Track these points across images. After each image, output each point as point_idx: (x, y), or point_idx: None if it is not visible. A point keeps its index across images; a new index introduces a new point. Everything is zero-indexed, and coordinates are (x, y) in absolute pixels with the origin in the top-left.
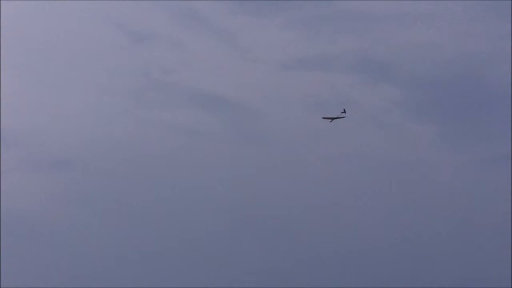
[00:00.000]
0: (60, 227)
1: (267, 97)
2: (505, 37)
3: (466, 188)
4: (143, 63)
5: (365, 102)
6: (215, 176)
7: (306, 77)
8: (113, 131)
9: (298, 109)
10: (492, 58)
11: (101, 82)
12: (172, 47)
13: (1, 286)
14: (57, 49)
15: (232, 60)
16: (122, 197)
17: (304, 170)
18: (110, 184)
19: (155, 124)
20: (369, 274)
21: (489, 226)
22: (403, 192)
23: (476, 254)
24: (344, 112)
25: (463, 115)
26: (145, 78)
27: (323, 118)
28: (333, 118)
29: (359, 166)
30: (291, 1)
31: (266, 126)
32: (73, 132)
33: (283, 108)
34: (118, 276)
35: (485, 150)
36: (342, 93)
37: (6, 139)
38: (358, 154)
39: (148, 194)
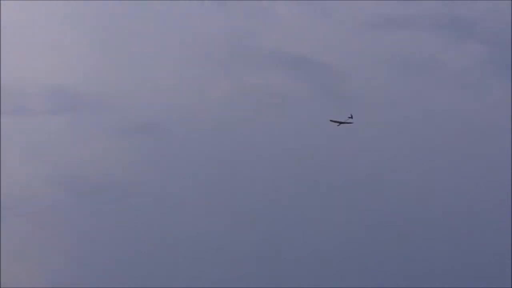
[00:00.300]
0: (144, 191)
1: (352, 57)
2: None
3: None
4: (226, 26)
5: (451, 60)
6: (301, 138)
7: (392, 37)
8: (198, 95)
9: (383, 69)
10: None
11: (184, 46)
12: (255, 9)
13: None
14: (141, 16)
15: (317, 20)
16: (208, 162)
17: (389, 132)
18: (195, 149)
19: (239, 88)
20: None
21: None
22: (488, 153)
23: None
24: (351, 117)
25: None
26: (228, 42)
27: (330, 120)
28: (340, 122)
29: (443, 127)
30: None
31: (352, 87)
32: (157, 97)
33: (368, 68)
34: (205, 240)
35: None
36: (428, 52)
37: (91, 104)
38: (442, 114)
39: (234, 158)
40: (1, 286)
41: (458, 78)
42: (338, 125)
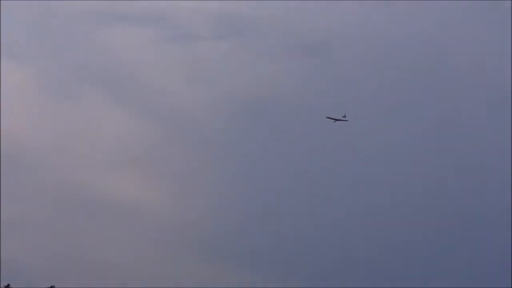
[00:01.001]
0: (315, 109)
1: None
2: None
3: None
4: None
5: None
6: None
7: None
8: (366, 14)
9: None
10: None
11: None
12: None
13: None
14: None
15: None
16: (374, 80)
17: None
18: (361, 69)
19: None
20: None
21: None
22: None
23: None
24: (345, 116)
25: None
26: None
27: (327, 117)
28: (336, 119)
29: None
30: None
31: None
32: (322, 19)
33: None
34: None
35: None
36: None
37: (255, 28)
38: None
39: (404, 77)
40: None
41: None
42: (334, 122)
